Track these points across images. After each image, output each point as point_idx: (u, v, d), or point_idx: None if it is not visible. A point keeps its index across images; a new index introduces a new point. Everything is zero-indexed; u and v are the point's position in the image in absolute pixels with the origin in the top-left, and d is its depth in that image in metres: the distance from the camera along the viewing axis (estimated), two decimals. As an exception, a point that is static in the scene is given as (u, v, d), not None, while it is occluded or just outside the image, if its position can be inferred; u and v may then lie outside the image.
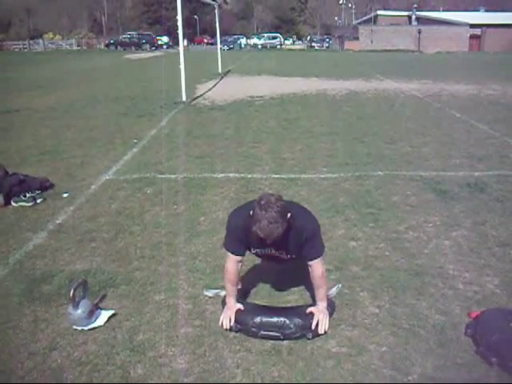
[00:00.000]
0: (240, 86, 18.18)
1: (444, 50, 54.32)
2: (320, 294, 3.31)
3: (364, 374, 2.86)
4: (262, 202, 2.94)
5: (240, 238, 3.26)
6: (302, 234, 3.20)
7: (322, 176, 6.72)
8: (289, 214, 3.02)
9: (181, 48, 13.95)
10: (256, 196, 5.74)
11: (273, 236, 2.97)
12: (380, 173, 6.82)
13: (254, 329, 3.17)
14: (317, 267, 3.27)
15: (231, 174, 6.81)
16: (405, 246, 4.51)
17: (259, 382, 2.81)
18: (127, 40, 61.51)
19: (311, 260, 3.26)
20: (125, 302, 3.62)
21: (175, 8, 13.38)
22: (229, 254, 3.35)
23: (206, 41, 79.77)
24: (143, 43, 60.64)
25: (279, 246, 3.19)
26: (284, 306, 3.54)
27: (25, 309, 3.53)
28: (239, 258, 3.34)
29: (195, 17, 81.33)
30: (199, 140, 9.01)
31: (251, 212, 3.00)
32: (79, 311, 3.26)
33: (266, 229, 2.92)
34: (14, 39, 64.98)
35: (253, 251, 3.39)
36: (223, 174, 6.81)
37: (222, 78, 21.57)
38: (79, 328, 3.27)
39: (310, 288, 3.54)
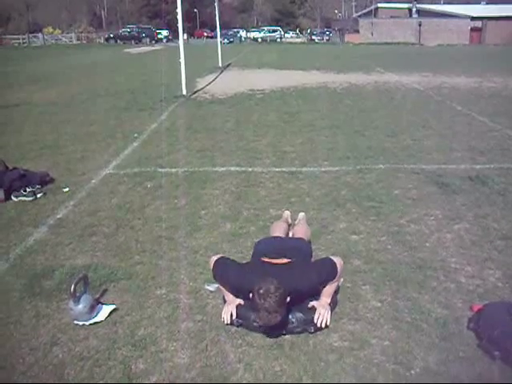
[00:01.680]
0: (240, 80, 18.14)
1: (445, 43, 54.15)
2: (328, 290, 3.31)
3: (366, 368, 2.85)
4: (261, 292, 2.91)
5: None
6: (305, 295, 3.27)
7: (323, 169, 6.70)
8: (288, 299, 3.01)
9: (181, 42, 13.90)
10: (257, 190, 5.76)
11: (271, 324, 2.97)
12: (381, 166, 6.80)
13: (255, 323, 3.16)
14: (333, 285, 3.30)
15: (232, 168, 6.79)
16: (406, 240, 4.50)
17: (261, 376, 2.80)
18: (127, 34, 61.40)
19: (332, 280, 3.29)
20: (126, 297, 3.61)
21: (175, 1, 13.33)
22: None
23: (205, 34, 79.51)
24: (143, 37, 60.52)
25: (280, 325, 3.16)
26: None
27: (26, 304, 3.52)
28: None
29: (195, 10, 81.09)
30: (200, 134, 8.99)
31: (250, 295, 3.00)
32: (80, 306, 3.25)
33: (265, 319, 2.93)
34: (14, 33, 64.76)
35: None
36: (224, 168, 6.79)
37: (222, 71, 21.52)
38: (80, 323, 3.27)
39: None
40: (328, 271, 3.25)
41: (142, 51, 41.82)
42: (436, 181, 6.14)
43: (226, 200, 5.57)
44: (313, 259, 3.67)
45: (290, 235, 4.29)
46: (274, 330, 3.11)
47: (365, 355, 2.96)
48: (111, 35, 62.83)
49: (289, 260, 3.32)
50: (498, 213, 5.12)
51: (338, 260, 3.32)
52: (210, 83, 17.00)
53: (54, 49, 47.94)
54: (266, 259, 3.36)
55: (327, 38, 71.80)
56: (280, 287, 2.93)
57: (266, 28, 77.91)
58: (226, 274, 3.29)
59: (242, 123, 9.95)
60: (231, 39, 66.67)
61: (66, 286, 3.58)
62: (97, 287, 3.69)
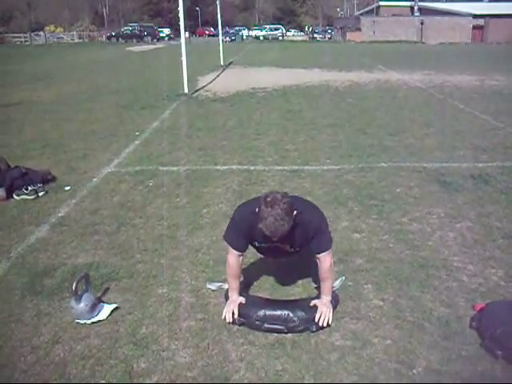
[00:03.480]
0: (242, 78, 18.13)
1: (447, 41, 54.06)
2: (325, 287, 3.30)
3: (368, 367, 2.84)
4: (268, 199, 2.92)
5: (244, 233, 3.24)
6: (309, 228, 3.18)
7: (325, 168, 6.69)
8: (295, 212, 3.00)
9: (182, 40, 13.88)
10: (259, 188, 5.75)
11: (278, 233, 2.94)
12: (383, 164, 6.79)
13: (257, 322, 3.16)
14: (325, 260, 3.25)
15: (234, 166, 6.78)
16: (409, 238, 4.49)
17: (263, 375, 2.79)
18: (129, 32, 61.39)
19: (320, 253, 3.24)
20: (127, 296, 3.60)
21: (177, 0, 13.31)
22: (230, 247, 3.33)
23: (207, 33, 79.59)
24: (145, 35, 60.49)
25: (285, 241, 3.17)
26: (287, 299, 3.52)
27: (27, 302, 3.52)
28: (240, 252, 3.32)
29: (197, 8, 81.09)
30: (201, 132, 8.99)
31: (257, 209, 2.98)
32: (82, 305, 3.25)
33: (272, 226, 2.90)
34: (16, 32, 64.77)
35: (257, 245, 3.37)
36: (226, 166, 6.79)
37: (224, 69, 21.51)
38: (82, 322, 3.26)
39: (314, 281, 3.52)
40: (326, 239, 3.26)
41: (143, 49, 41.80)
42: (438, 179, 6.13)
43: (228, 198, 5.56)
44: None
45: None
46: (278, 253, 3.13)
47: (367, 354, 2.95)
48: (113, 33, 62.83)
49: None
50: (501, 211, 5.11)
51: (330, 254, 3.31)
52: (211, 81, 17.00)
53: (56, 47, 47.96)
54: None
55: (329, 36, 71.72)
56: (287, 196, 2.97)
57: (267, 26, 77.94)
58: (235, 231, 3.29)
59: (243, 121, 9.95)
60: (233, 37, 66.59)
61: (68, 284, 3.59)
62: (98, 286, 3.68)
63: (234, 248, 3.30)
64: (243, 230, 3.23)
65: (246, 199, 5.43)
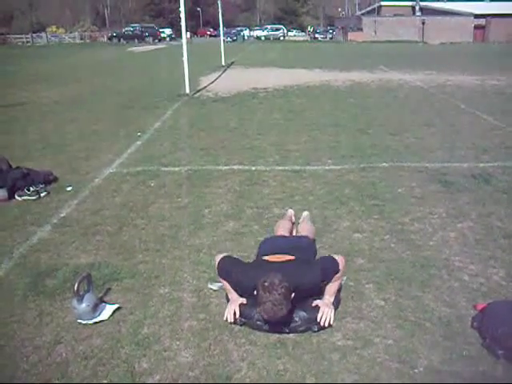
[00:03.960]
0: (243, 78, 18.13)
1: (448, 41, 54.02)
2: (331, 288, 3.31)
3: (370, 367, 2.84)
4: (266, 284, 2.92)
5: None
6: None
7: (326, 168, 6.70)
8: (293, 295, 3.01)
9: (184, 40, 13.90)
10: (260, 189, 5.75)
11: (277, 317, 2.97)
12: (385, 164, 6.79)
13: (258, 322, 3.16)
14: (335, 283, 3.31)
15: (235, 166, 6.79)
16: (410, 238, 4.49)
17: (264, 375, 2.80)
18: (130, 33, 61.39)
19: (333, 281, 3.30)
20: (129, 296, 3.61)
21: (178, 0, 13.32)
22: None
23: (208, 33, 79.65)
24: (146, 36, 60.52)
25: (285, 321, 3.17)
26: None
27: (29, 303, 3.53)
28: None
29: (198, 9, 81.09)
30: (203, 132, 8.99)
31: (254, 292, 3.00)
32: (84, 305, 3.26)
33: (271, 312, 2.93)
34: (17, 33, 64.82)
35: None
36: (227, 167, 6.79)
37: (226, 70, 21.52)
38: (84, 322, 3.27)
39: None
40: (330, 268, 3.25)
41: (145, 50, 41.83)
42: (439, 179, 6.13)
43: (229, 198, 5.57)
44: (317, 257, 3.66)
45: (294, 233, 4.29)
46: (277, 327, 3.11)
47: (368, 354, 2.95)
48: (114, 34, 62.82)
49: (292, 257, 3.32)
50: (502, 211, 5.10)
51: (340, 258, 3.33)
52: (213, 82, 17.00)
53: (58, 48, 48.00)
54: (269, 258, 3.36)
55: (330, 36, 71.68)
56: (284, 280, 2.94)
57: (269, 26, 77.91)
58: (231, 271, 3.30)
59: (245, 122, 9.95)
60: (234, 38, 66.55)
61: (70, 284, 3.58)
62: (100, 286, 3.69)
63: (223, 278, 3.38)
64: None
65: (247, 199, 5.49)
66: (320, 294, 3.31)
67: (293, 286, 3.00)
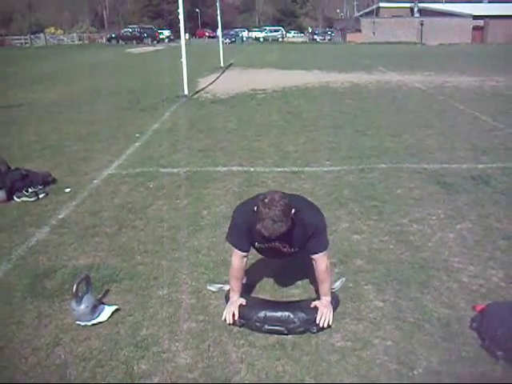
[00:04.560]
0: (242, 80, 18.14)
1: (447, 42, 54.07)
2: (324, 288, 3.30)
3: (369, 368, 2.84)
4: (266, 200, 2.91)
5: (245, 233, 3.23)
6: (307, 228, 3.18)
7: (325, 169, 6.70)
8: (293, 211, 3.00)
9: (182, 41, 13.89)
10: (259, 190, 5.75)
11: (276, 233, 2.95)
12: (383, 165, 6.79)
13: (258, 323, 3.16)
14: (321, 261, 3.25)
15: (234, 168, 6.79)
16: (409, 239, 4.49)
17: (263, 376, 2.80)
18: (128, 34, 61.41)
19: (315, 254, 3.24)
20: (128, 297, 3.61)
21: (176, 1, 13.31)
22: (234, 249, 3.33)
23: (207, 34, 79.62)
24: (145, 37, 60.52)
25: (283, 240, 3.17)
26: (288, 300, 3.53)
27: (28, 304, 3.52)
28: (245, 253, 3.32)
29: (197, 10, 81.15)
30: (201, 134, 8.99)
31: (255, 208, 2.98)
32: (82, 306, 3.25)
33: (270, 228, 2.90)
34: (16, 34, 64.83)
35: (256, 246, 3.37)
36: (226, 168, 6.79)
37: (224, 71, 21.52)
38: (82, 323, 3.27)
39: (314, 282, 3.52)
40: (322, 240, 3.25)
41: (143, 51, 41.82)
42: (438, 180, 6.13)
43: (228, 200, 5.56)
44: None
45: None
46: (278, 254, 3.15)
47: (367, 355, 2.95)
48: (113, 35, 62.85)
49: None
50: (501, 212, 5.11)
51: (326, 256, 3.30)
52: (211, 83, 17.00)
53: (56, 49, 47.96)
54: None
55: (329, 37, 71.76)
56: (285, 197, 2.95)
57: (267, 28, 77.96)
58: (237, 233, 3.30)
59: (243, 123, 9.95)
60: (233, 39, 66.62)
61: (69, 286, 3.58)
62: (99, 287, 3.69)
63: (238, 249, 3.30)
64: (244, 230, 3.23)
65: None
66: (303, 250, 3.30)
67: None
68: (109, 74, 21.55)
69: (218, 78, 18.90)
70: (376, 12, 69.29)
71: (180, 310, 3.45)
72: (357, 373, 2.81)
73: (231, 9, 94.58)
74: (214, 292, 3.65)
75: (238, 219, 3.30)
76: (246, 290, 3.60)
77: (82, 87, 16.35)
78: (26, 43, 60.06)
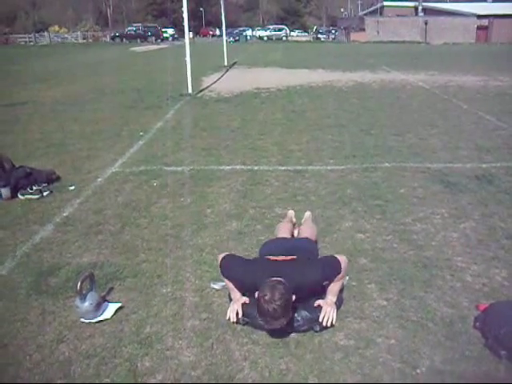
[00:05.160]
0: (246, 78, 18.14)
1: (451, 41, 53.95)
2: (334, 288, 3.30)
3: (372, 366, 2.85)
4: (267, 298, 2.89)
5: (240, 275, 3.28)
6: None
7: (329, 168, 6.70)
8: (293, 297, 3.00)
9: (186, 40, 13.89)
10: (262, 188, 5.75)
11: (277, 327, 2.99)
12: (387, 165, 6.79)
13: (261, 321, 3.16)
14: (341, 276, 3.30)
15: (238, 166, 6.79)
16: (412, 238, 4.49)
17: (267, 374, 2.80)
18: (132, 32, 61.50)
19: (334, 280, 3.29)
20: (132, 295, 3.62)
21: (181, 0, 13.32)
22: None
23: (211, 33, 79.62)
24: (149, 36, 60.58)
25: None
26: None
27: (32, 301, 3.54)
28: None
29: (201, 9, 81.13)
30: (205, 132, 9.00)
31: (256, 294, 3.01)
32: (86, 304, 3.26)
33: (272, 324, 2.95)
34: (20, 32, 65.06)
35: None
36: (230, 166, 6.80)
37: (228, 70, 21.52)
38: (86, 321, 3.28)
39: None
40: (332, 267, 3.24)
41: (147, 50, 41.86)
42: (442, 179, 6.12)
43: (232, 198, 5.57)
44: (319, 257, 3.66)
45: (296, 234, 4.29)
46: (279, 330, 3.11)
47: (370, 354, 2.95)
48: (117, 34, 62.95)
49: (293, 257, 3.32)
50: (505, 212, 5.10)
51: (342, 258, 3.32)
52: (215, 82, 17.01)
53: (60, 47, 48.06)
54: (271, 257, 3.36)
55: (333, 36, 71.66)
56: (285, 293, 2.92)
57: (271, 26, 77.84)
58: (233, 269, 3.30)
59: (247, 122, 9.96)
60: (237, 38, 66.59)
61: (73, 283, 3.59)
62: (103, 285, 3.70)
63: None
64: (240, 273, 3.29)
65: (249, 199, 5.50)
66: (322, 293, 3.31)
67: (294, 286, 3.00)
68: (113, 72, 21.58)
69: (221, 76, 18.90)
70: (380, 11, 69.23)
71: (184, 307, 3.46)
72: (360, 371, 2.82)
73: (235, 8, 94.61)
74: (217, 290, 3.65)
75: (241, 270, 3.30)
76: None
77: (85, 85, 16.37)
78: (30, 41, 60.24)
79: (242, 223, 4.87)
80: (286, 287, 2.95)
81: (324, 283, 3.28)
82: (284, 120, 10.11)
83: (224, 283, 3.64)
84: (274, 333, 3.12)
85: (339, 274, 3.25)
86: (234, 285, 3.33)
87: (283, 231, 4.20)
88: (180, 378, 2.79)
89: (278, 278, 3.00)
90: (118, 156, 7.40)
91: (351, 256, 4.12)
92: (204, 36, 78.55)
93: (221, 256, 3.44)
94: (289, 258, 3.32)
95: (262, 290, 2.93)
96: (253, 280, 3.09)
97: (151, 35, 60.87)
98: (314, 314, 3.18)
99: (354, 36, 62.55)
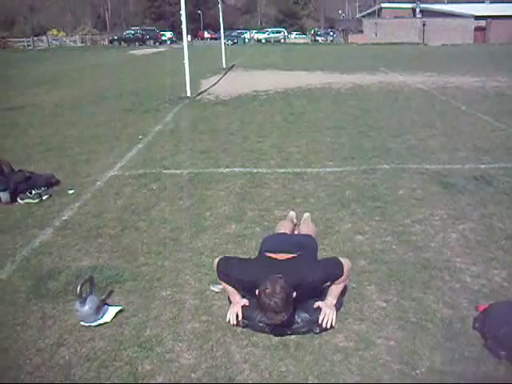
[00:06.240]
0: (244, 81, 18.16)
1: (449, 43, 54.02)
2: (334, 290, 3.31)
3: (372, 368, 2.85)
4: (267, 292, 2.90)
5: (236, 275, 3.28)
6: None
7: (327, 170, 6.70)
8: (294, 294, 3.01)
9: (185, 43, 13.92)
10: (261, 191, 5.76)
11: (278, 323, 2.99)
12: (386, 166, 6.80)
13: (261, 324, 3.17)
14: (343, 279, 3.29)
15: (236, 169, 6.80)
16: (411, 240, 4.50)
17: (267, 376, 2.80)
18: (131, 36, 61.64)
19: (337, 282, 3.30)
20: (132, 298, 3.62)
21: (178, 3, 13.34)
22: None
23: (209, 36, 79.64)
24: (147, 39, 60.70)
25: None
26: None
27: (32, 305, 3.54)
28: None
29: (199, 12, 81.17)
30: (204, 135, 9.01)
31: (257, 292, 3.00)
32: (86, 307, 3.27)
33: (273, 319, 2.95)
34: (18, 36, 64.88)
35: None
36: (228, 169, 6.80)
37: (227, 72, 21.54)
38: (86, 324, 3.28)
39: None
40: (334, 269, 3.25)
41: (146, 53, 41.88)
42: (441, 181, 6.13)
43: (231, 201, 5.58)
44: (318, 258, 3.66)
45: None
46: (280, 328, 3.11)
47: (370, 355, 2.96)
48: (115, 37, 63.04)
49: (293, 255, 3.32)
50: (504, 212, 5.11)
51: (345, 261, 3.31)
52: (214, 84, 17.03)
53: (59, 51, 48.06)
54: (271, 254, 3.36)
55: (331, 38, 71.76)
56: (286, 286, 2.93)
57: (269, 29, 78.04)
58: (229, 271, 3.29)
59: (246, 124, 9.97)
60: (235, 40, 66.67)
61: (72, 287, 3.60)
62: (103, 288, 3.70)
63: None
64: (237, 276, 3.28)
65: (248, 202, 5.50)
66: (321, 295, 3.31)
67: (293, 284, 3.01)
68: (111, 75, 21.58)
69: (220, 79, 18.92)
70: (378, 13, 69.40)
71: (183, 310, 3.46)
72: (360, 373, 2.82)
73: (233, 10, 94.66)
74: (216, 292, 3.66)
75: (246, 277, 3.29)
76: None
77: (84, 89, 16.38)
78: (28, 45, 60.17)
79: (241, 226, 4.88)
80: (287, 282, 2.96)
81: (325, 285, 3.28)
82: (283, 122, 10.13)
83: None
84: (273, 333, 3.12)
85: (341, 276, 3.25)
86: (232, 287, 3.33)
87: (284, 228, 4.19)
88: (180, 380, 2.79)
89: (278, 275, 3.01)
90: (117, 159, 7.41)
91: (350, 258, 4.10)
92: (202, 39, 78.52)
93: (216, 260, 3.43)
94: (289, 255, 3.32)
95: (263, 285, 2.94)
96: (252, 278, 3.09)
97: (149, 38, 61.01)
98: (313, 316, 3.18)
99: (352, 38, 62.72)
